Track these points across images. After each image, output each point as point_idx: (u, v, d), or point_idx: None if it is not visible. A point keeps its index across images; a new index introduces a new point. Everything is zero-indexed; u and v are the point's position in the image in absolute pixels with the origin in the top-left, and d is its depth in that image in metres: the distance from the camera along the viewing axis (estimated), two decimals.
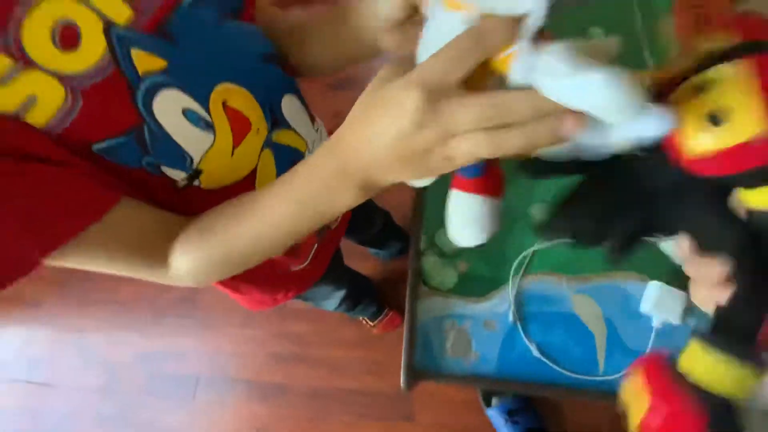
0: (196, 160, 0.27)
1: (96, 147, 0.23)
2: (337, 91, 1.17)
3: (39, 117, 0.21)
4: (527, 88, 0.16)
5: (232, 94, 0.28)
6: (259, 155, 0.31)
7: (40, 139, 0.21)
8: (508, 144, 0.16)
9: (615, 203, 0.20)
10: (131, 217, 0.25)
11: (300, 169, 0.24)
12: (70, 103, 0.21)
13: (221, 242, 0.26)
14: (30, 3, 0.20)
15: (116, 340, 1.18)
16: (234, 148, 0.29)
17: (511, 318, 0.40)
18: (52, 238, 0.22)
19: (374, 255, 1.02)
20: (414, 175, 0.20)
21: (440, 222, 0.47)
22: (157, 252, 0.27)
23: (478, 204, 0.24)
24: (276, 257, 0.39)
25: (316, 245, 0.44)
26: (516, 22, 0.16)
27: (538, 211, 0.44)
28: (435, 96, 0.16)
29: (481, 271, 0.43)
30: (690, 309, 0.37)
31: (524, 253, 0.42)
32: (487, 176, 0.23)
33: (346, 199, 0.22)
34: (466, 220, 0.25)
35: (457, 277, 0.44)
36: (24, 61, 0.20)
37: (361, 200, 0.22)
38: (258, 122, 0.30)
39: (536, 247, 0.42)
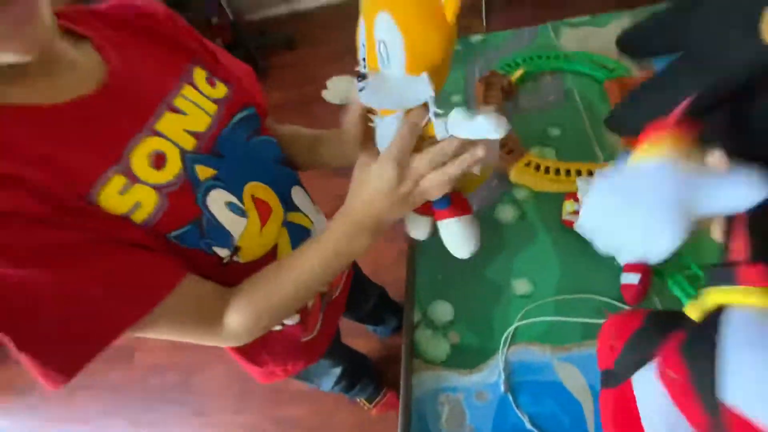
0: (236, 239, 0.35)
1: (171, 235, 0.31)
2: (336, 177, 1.31)
3: (140, 216, 0.29)
4: (448, 137, 0.30)
5: (258, 189, 0.38)
6: (279, 232, 0.40)
7: (138, 231, 0.29)
8: (451, 171, 0.30)
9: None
10: (194, 287, 0.32)
11: (325, 230, 0.35)
12: (160, 205, 0.30)
13: (268, 294, 0.35)
14: (136, 143, 0.30)
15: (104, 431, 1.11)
16: (261, 228, 0.38)
17: (502, 388, 0.42)
18: (143, 304, 0.29)
19: (372, 332, 1.02)
20: (405, 211, 0.34)
21: (433, 295, 0.51)
22: (214, 315, 0.34)
23: (458, 223, 0.36)
24: (288, 329, 0.46)
25: (321, 316, 0.50)
26: (424, 107, 0.30)
27: (519, 285, 0.49)
28: (401, 162, 0.30)
29: (472, 342, 0.46)
30: None
31: (510, 327, 0.46)
32: (455, 203, 0.37)
33: (364, 241, 0.34)
34: (456, 238, 0.37)
35: (449, 349, 0.46)
36: (132, 179, 0.29)
37: (374, 240, 0.35)
38: (276, 208, 0.40)
39: (520, 322, 0.46)
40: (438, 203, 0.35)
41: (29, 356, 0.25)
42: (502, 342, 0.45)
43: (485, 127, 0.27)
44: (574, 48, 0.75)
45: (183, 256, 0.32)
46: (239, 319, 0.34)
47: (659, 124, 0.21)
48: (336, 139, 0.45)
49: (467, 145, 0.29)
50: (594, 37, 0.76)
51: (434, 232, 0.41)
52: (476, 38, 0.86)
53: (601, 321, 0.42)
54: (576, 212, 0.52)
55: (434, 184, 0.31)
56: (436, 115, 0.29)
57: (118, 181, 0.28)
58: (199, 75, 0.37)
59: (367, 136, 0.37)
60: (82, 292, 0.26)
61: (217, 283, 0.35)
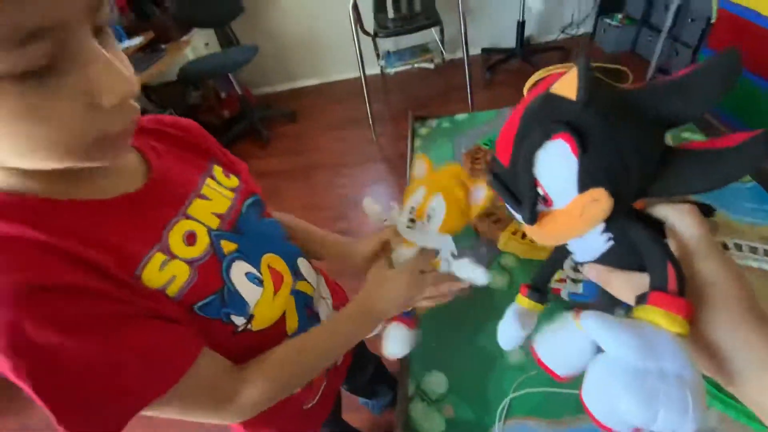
0: (251, 306, 0.38)
1: (197, 306, 0.34)
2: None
3: (174, 288, 0.33)
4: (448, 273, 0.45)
5: (273, 260, 0.43)
6: (287, 300, 0.44)
7: (170, 304, 0.32)
8: (441, 295, 0.47)
9: None
10: (210, 361, 0.34)
11: (342, 314, 0.44)
12: (191, 277, 0.34)
13: (281, 369, 0.38)
14: (173, 225, 0.35)
15: None
16: (274, 295, 0.41)
17: None
18: (170, 376, 0.30)
19: (364, 405, 0.97)
20: (401, 310, 0.46)
21: (426, 365, 0.50)
22: (227, 389, 0.35)
23: (410, 332, 0.47)
24: (293, 397, 0.48)
25: (325, 382, 0.52)
26: (434, 252, 0.46)
27: (513, 354, 0.49)
28: (416, 276, 0.44)
29: (467, 416, 0.45)
30: None
31: (505, 399, 0.45)
32: (413, 317, 0.49)
33: (370, 326, 0.45)
34: (401, 342, 0.47)
35: (444, 424, 0.45)
36: (171, 255, 0.33)
37: (377, 327, 0.46)
38: (287, 277, 0.44)
39: (515, 393, 0.45)
40: (405, 312, 0.48)
41: (66, 428, 0.27)
42: (497, 417, 0.44)
43: (478, 277, 0.43)
44: None
45: (202, 327, 0.35)
46: (254, 392, 0.36)
47: None
48: (340, 246, 0.56)
49: (455, 282, 0.46)
50: None
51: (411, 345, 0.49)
52: (462, 117, 0.95)
53: None
54: (561, 280, 0.54)
55: (425, 301, 0.46)
56: (451, 257, 0.45)
57: (158, 258, 0.32)
58: (218, 170, 0.45)
59: (380, 256, 0.50)
60: (122, 362, 0.28)
61: (228, 354, 0.37)
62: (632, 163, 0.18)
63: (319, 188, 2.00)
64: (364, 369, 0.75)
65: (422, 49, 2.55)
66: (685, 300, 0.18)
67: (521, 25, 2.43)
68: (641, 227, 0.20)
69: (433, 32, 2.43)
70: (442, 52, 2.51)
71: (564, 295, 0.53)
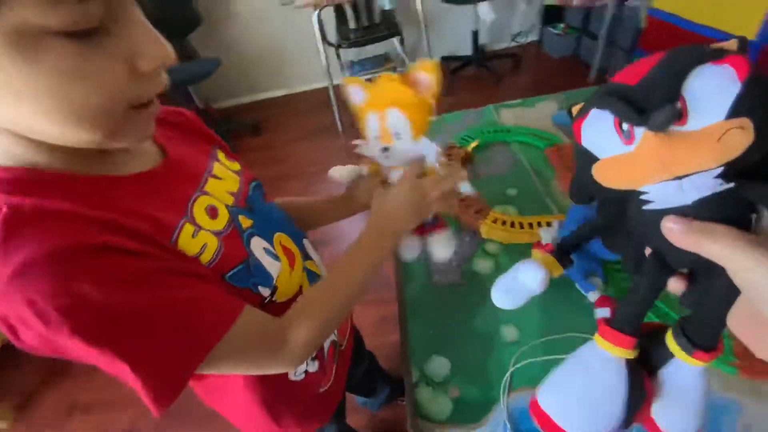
0: (274, 279, 0.40)
1: (227, 275, 0.36)
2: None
3: (207, 256, 0.34)
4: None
5: (283, 239, 0.45)
6: (302, 276, 0.46)
7: (206, 270, 0.34)
8: (445, 187, 0.45)
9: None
10: (254, 313, 0.36)
11: (358, 241, 0.44)
12: (219, 247, 0.35)
13: (321, 304, 0.40)
14: (195, 200, 0.37)
15: None
16: (290, 271, 0.43)
17: None
18: (223, 323, 0.32)
19: (363, 405, 0.96)
20: (417, 220, 0.46)
21: (428, 351, 0.52)
22: (277, 334, 0.37)
23: (442, 236, 0.51)
24: (309, 377, 0.50)
25: (335, 365, 0.56)
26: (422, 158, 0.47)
27: (508, 331, 0.52)
28: (415, 182, 0.45)
29: (473, 394, 0.47)
30: None
31: (506, 374, 0.47)
32: (438, 223, 0.53)
33: (388, 243, 0.45)
34: (441, 246, 0.50)
35: (452, 405, 0.46)
36: (198, 227, 0.35)
37: (396, 243, 0.47)
38: (297, 255, 0.46)
39: (514, 366, 0.48)
40: (428, 223, 0.50)
41: (141, 377, 0.27)
42: (501, 391, 0.46)
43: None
44: (513, 123, 0.90)
45: (236, 295, 0.36)
46: (301, 331, 0.37)
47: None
48: (337, 201, 0.58)
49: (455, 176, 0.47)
50: (527, 115, 0.92)
51: (423, 252, 0.54)
52: (432, 119, 0.99)
53: None
54: None
55: (436, 197, 0.45)
56: (436, 155, 0.46)
57: (189, 228, 0.34)
58: (221, 154, 0.46)
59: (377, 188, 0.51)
60: (178, 308, 0.29)
61: None
62: None
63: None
64: (360, 363, 0.76)
65: (385, 58, 2.62)
66: None
67: (475, 35, 2.57)
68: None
69: (395, 42, 2.51)
70: (404, 60, 2.58)
71: None
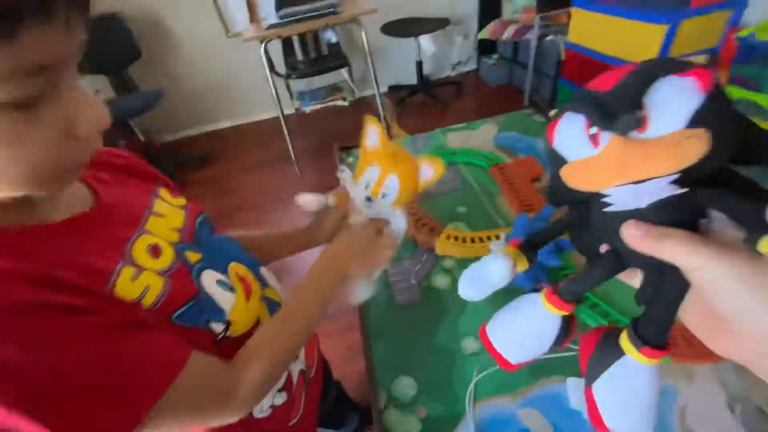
0: (227, 313, 0.39)
1: (174, 315, 0.34)
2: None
3: (150, 298, 0.32)
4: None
5: (238, 268, 0.44)
6: (260, 306, 0.44)
7: (147, 314, 0.32)
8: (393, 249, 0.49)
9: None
10: (202, 360, 0.34)
11: (308, 274, 0.44)
12: (165, 286, 0.34)
13: (271, 342, 0.39)
14: (134, 240, 0.35)
15: None
16: (247, 301, 0.42)
17: None
18: (163, 379, 0.30)
19: None
20: (364, 269, 0.47)
21: (394, 373, 0.52)
22: (227, 381, 0.35)
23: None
24: (277, 411, 0.48)
25: (304, 395, 0.54)
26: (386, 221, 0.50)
27: (468, 343, 0.53)
28: (377, 232, 0.47)
29: (440, 412, 0.47)
30: None
31: (470, 386, 0.49)
32: None
33: (336, 281, 0.45)
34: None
35: (420, 425, 0.46)
36: (139, 268, 0.33)
37: (345, 282, 0.46)
38: (255, 284, 0.45)
39: (477, 376, 0.49)
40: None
41: None
42: (466, 402, 0.47)
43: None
44: (459, 146, 0.96)
45: (184, 336, 0.34)
46: (253, 375, 0.36)
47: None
48: (296, 234, 0.58)
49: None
50: (472, 138, 0.99)
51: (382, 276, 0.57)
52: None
53: (545, 358, 0.48)
54: None
55: (388, 256, 0.48)
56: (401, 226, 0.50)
57: (128, 271, 0.32)
58: (164, 192, 0.45)
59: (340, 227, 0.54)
60: (112, 368, 0.28)
61: None
62: (733, 128, 0.19)
63: (245, 230, 1.91)
64: (328, 394, 0.73)
65: (334, 88, 2.69)
66: None
67: (419, 65, 2.74)
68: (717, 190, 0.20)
69: (343, 72, 2.59)
70: (353, 90, 2.67)
71: None
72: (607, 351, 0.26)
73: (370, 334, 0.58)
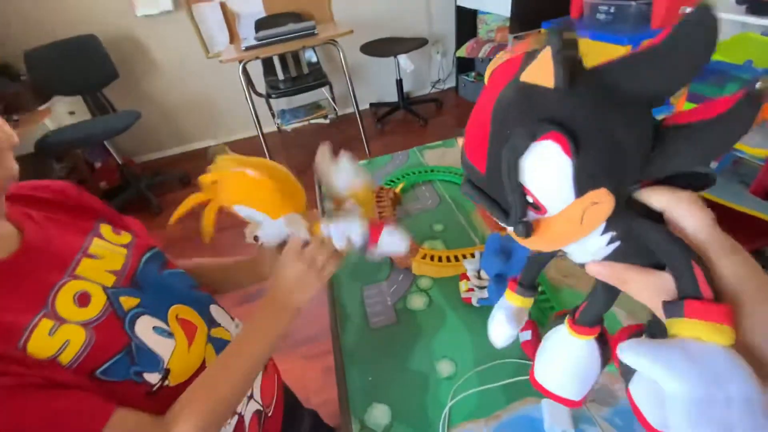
0: (165, 361, 0.37)
1: (99, 370, 0.32)
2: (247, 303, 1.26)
3: (68, 355, 0.30)
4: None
5: (181, 311, 0.42)
6: (205, 348, 0.43)
7: (65, 372, 0.30)
8: (331, 252, 0.44)
9: None
10: (127, 417, 0.32)
11: (252, 317, 0.42)
12: (88, 340, 0.32)
13: (208, 392, 0.36)
14: (59, 288, 0.32)
15: None
16: (189, 346, 0.39)
17: None
18: None
19: None
20: (315, 288, 0.44)
21: (367, 400, 0.50)
22: None
23: (392, 229, 0.48)
24: None
25: None
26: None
27: (443, 366, 0.53)
28: (299, 256, 0.43)
29: None
30: (576, 416, 0.45)
31: (444, 411, 0.48)
32: (376, 226, 0.47)
33: (288, 317, 0.43)
34: (394, 238, 0.47)
35: None
36: (59, 320, 0.30)
37: (296, 315, 0.43)
38: (200, 325, 0.43)
39: (451, 402, 0.48)
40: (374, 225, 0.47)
41: None
42: (440, 429, 0.45)
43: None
44: (436, 163, 0.97)
45: (110, 392, 0.31)
46: (186, 427, 0.33)
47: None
48: (250, 264, 0.55)
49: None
50: (448, 155, 1.01)
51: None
52: (362, 162, 1.04)
53: (520, 378, 0.48)
54: (470, 289, 0.61)
55: (324, 260, 0.44)
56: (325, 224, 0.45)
57: (45, 324, 0.30)
58: (105, 229, 0.43)
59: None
60: None
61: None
62: (629, 150, 0.16)
63: (226, 250, 1.86)
64: (298, 426, 0.70)
65: (315, 106, 2.71)
66: (725, 306, 0.16)
67: (399, 83, 2.79)
68: (649, 224, 0.18)
69: (324, 91, 2.62)
70: (334, 108, 2.70)
71: (474, 302, 0.60)
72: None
73: (344, 358, 0.56)
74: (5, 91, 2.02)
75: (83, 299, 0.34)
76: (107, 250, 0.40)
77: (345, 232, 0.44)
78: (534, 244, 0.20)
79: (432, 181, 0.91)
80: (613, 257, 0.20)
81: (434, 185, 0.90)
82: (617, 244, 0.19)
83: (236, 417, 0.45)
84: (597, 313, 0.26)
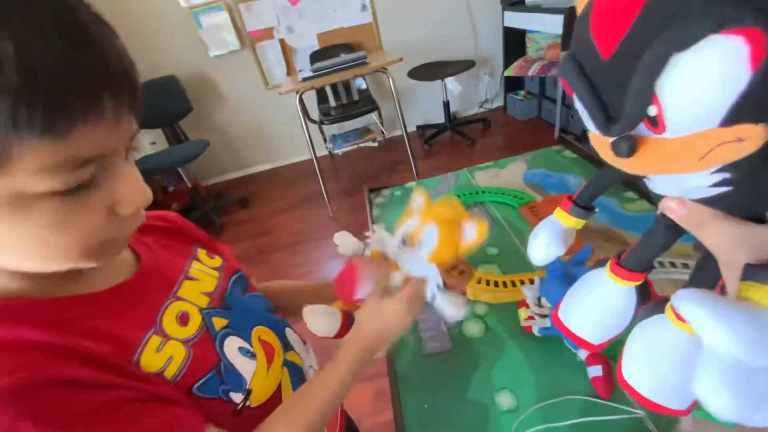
0: (248, 381, 0.39)
1: (195, 386, 0.34)
2: None
3: (172, 369, 0.33)
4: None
5: (262, 333, 0.44)
6: (281, 372, 0.44)
7: (168, 387, 0.32)
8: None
9: None
10: None
11: (339, 354, 0.42)
12: (187, 356, 0.35)
13: (291, 420, 0.37)
14: (165, 308, 0.37)
15: None
16: (268, 368, 0.42)
17: None
18: None
19: None
20: (400, 335, 0.45)
21: (424, 429, 0.49)
22: None
23: (450, 294, 0.49)
24: None
25: None
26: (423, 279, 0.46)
27: (503, 399, 0.50)
28: (411, 307, 0.44)
29: None
30: None
31: None
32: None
33: (371, 359, 0.43)
34: (452, 304, 0.48)
35: None
36: (166, 337, 0.35)
37: (377, 356, 0.44)
38: (278, 348, 0.45)
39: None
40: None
41: None
42: None
43: (458, 312, 0.48)
44: (487, 184, 0.96)
45: (204, 408, 0.34)
46: None
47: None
48: (324, 290, 0.56)
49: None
50: (500, 176, 0.99)
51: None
52: (411, 184, 1.05)
53: (588, 419, 0.44)
54: (530, 317, 0.58)
55: (418, 315, 0.45)
56: (437, 288, 0.47)
57: (155, 341, 0.34)
58: (202, 253, 0.48)
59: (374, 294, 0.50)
60: None
61: None
62: None
63: (279, 269, 1.96)
64: None
65: (364, 130, 2.82)
66: None
67: (446, 105, 2.82)
68: None
69: (373, 115, 2.72)
70: (382, 131, 2.78)
71: (535, 332, 0.56)
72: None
73: (399, 385, 0.56)
74: None
75: (184, 319, 0.37)
76: (203, 273, 0.44)
77: (453, 308, 0.47)
78: (629, 165, 0.16)
79: (483, 202, 0.90)
80: (709, 202, 0.16)
81: (486, 207, 0.88)
82: (725, 189, 0.15)
83: None
84: (649, 256, 0.23)
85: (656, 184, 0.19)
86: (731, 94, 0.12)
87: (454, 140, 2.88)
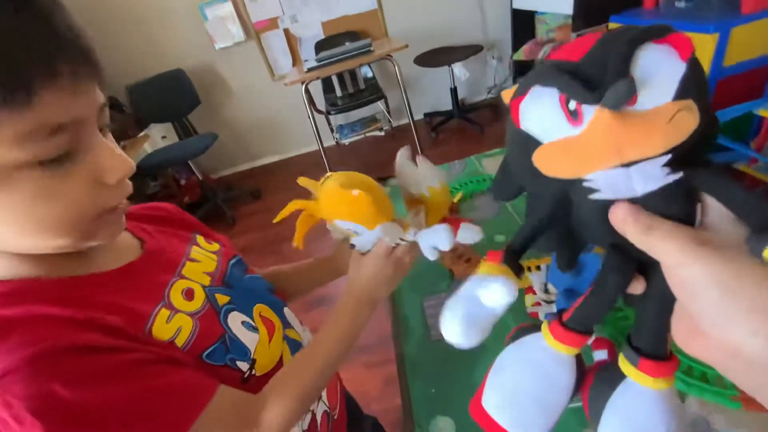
0: (252, 351, 0.42)
1: (204, 354, 0.37)
2: (313, 308, 1.33)
3: (182, 338, 0.36)
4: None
5: (263, 310, 0.47)
6: (282, 345, 0.47)
7: (180, 353, 0.36)
8: (413, 255, 0.48)
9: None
10: (229, 393, 0.36)
11: (335, 310, 0.46)
12: (194, 327, 0.38)
13: (298, 378, 0.41)
14: (172, 285, 0.40)
15: None
16: (269, 341, 0.45)
17: None
18: (194, 408, 0.32)
19: None
20: (391, 288, 0.49)
21: (431, 412, 0.50)
22: (251, 414, 0.37)
23: (467, 224, 0.51)
24: None
25: None
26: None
27: None
28: (389, 256, 0.47)
29: None
30: None
31: None
32: (452, 223, 0.49)
33: (365, 315, 0.47)
34: (469, 231, 0.50)
35: None
36: (174, 310, 0.37)
37: (373, 311, 0.47)
38: (278, 324, 0.48)
39: None
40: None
41: None
42: None
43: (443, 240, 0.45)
44: (495, 171, 0.95)
45: (214, 374, 0.37)
46: (277, 409, 0.37)
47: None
48: (328, 262, 0.61)
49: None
50: None
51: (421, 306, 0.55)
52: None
53: None
54: (537, 303, 0.59)
55: (409, 262, 0.48)
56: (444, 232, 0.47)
57: (164, 313, 0.36)
58: (200, 239, 0.51)
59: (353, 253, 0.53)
60: (149, 401, 0.31)
61: None
62: (708, 99, 0.18)
63: (291, 259, 1.98)
64: (362, 429, 0.72)
65: (371, 120, 2.80)
66: None
67: (454, 91, 2.77)
68: (722, 173, 0.18)
69: (379, 104, 2.70)
70: (389, 120, 2.76)
71: (542, 317, 0.57)
72: (606, 378, 0.22)
73: (406, 369, 0.57)
74: (114, 122, 2.41)
75: (189, 294, 0.40)
76: (203, 256, 0.47)
77: (432, 241, 0.46)
78: (616, 133, 0.17)
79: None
80: (650, 199, 0.18)
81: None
82: (674, 177, 0.18)
83: (310, 414, 0.48)
84: (597, 313, 0.22)
85: (602, 187, 0.19)
86: (675, 75, 0.17)
87: (462, 127, 2.84)
